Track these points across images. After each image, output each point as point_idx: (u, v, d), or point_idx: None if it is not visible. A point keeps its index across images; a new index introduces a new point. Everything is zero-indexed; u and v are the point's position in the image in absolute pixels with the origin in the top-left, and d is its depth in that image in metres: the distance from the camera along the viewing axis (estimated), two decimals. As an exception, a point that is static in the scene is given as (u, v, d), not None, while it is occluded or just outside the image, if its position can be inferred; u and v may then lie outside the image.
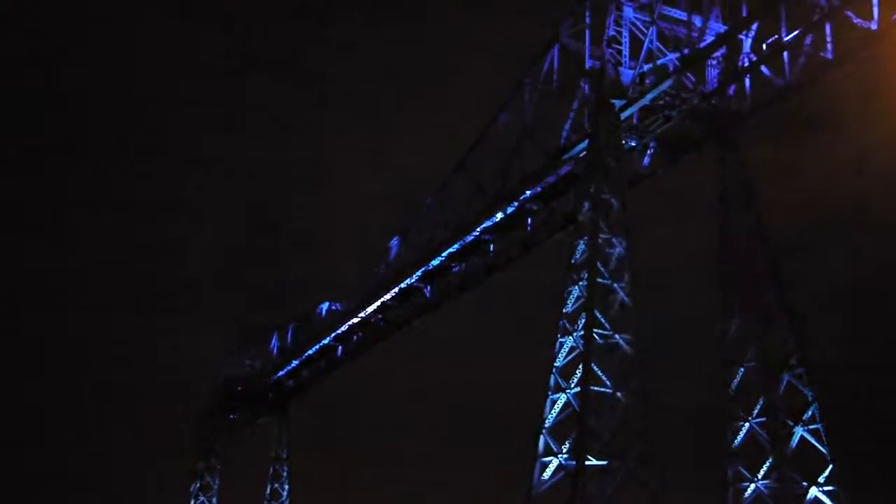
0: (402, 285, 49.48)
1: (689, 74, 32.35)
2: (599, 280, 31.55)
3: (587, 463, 29.33)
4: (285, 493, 72.86)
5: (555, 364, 31.58)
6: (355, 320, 55.84)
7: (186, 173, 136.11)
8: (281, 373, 68.56)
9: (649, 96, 32.63)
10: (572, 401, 30.63)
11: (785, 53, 29.49)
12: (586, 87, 35.44)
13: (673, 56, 32.85)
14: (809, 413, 31.57)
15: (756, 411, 31.53)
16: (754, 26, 30.44)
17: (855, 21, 26.69)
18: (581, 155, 35.15)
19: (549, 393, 31.28)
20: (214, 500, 76.09)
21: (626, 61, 34.09)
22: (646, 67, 33.28)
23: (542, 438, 31.02)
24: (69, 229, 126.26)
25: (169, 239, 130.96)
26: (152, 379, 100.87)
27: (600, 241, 32.12)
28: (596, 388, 30.31)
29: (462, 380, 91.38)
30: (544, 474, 30.78)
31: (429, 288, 49.22)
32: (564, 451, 30.33)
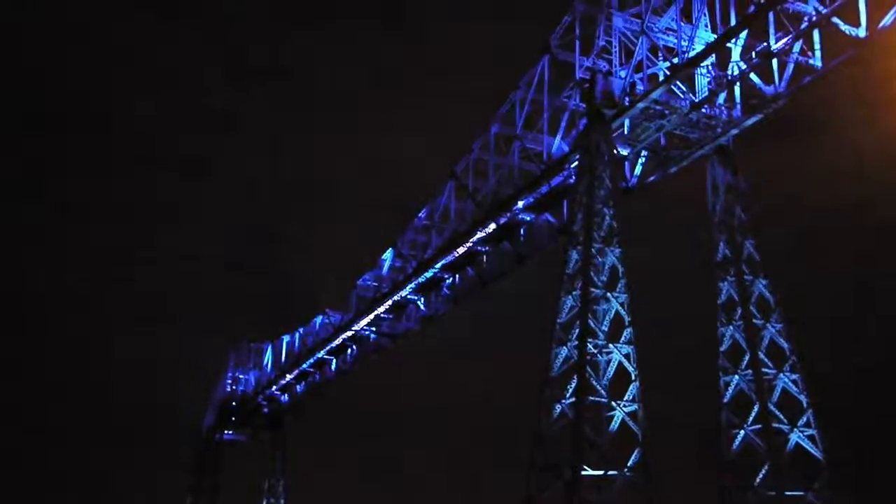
0: (396, 298, 49.42)
1: (679, 83, 32.46)
2: (593, 289, 31.53)
3: (584, 473, 29.26)
4: (281, 507, 72.66)
5: (549, 374, 31.51)
6: (349, 333, 55.74)
7: (179, 181, 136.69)
8: (275, 388, 68.41)
9: (640, 105, 32.72)
10: (567, 411, 30.57)
11: (774, 61, 29.63)
12: (577, 97, 35.57)
13: (663, 65, 32.95)
14: (804, 419, 31.59)
15: (751, 418, 31.48)
16: (743, 35, 30.54)
17: (842, 28, 26.85)
18: (573, 165, 35.23)
19: (544, 403, 31.20)
20: (210, 515, 75.93)
21: (616, 71, 34.20)
22: (636, 77, 33.38)
23: (537, 449, 30.92)
24: (66, 239, 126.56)
25: (163, 250, 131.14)
26: (151, 397, 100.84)
27: (593, 250, 32.12)
28: (591, 398, 30.28)
29: (459, 388, 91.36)
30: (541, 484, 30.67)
31: (423, 299, 49.18)
32: (561, 461, 30.21)
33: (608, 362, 31.17)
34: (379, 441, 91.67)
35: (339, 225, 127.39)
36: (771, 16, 28.80)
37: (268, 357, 70.68)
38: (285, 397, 69.36)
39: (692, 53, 31.44)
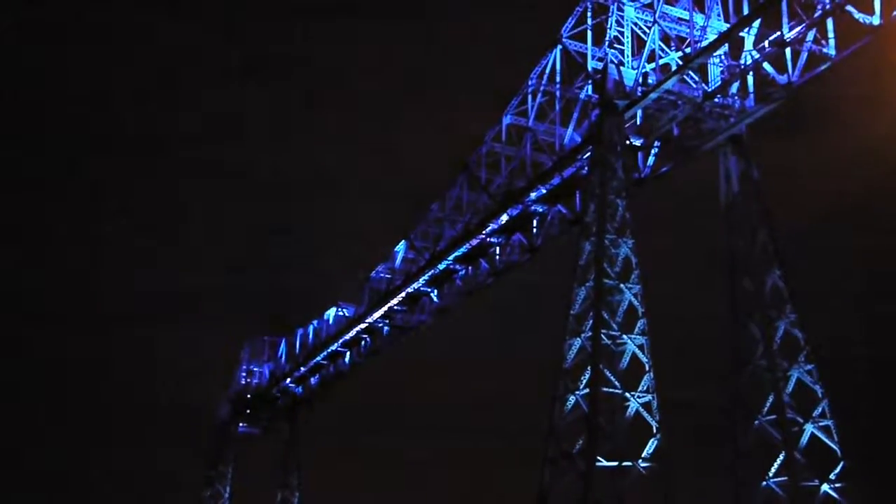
0: (410, 290, 49.49)
1: (691, 73, 32.32)
2: (606, 281, 31.50)
3: (598, 464, 29.29)
4: (296, 500, 72.90)
5: (563, 366, 31.53)
6: (362, 326, 55.86)
7: (187, 178, 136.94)
8: (289, 380, 68.68)
9: (652, 96, 32.63)
10: (581, 402, 30.60)
11: (787, 50, 29.44)
12: (589, 88, 35.49)
13: (675, 55, 32.82)
14: (819, 410, 31.48)
15: (766, 409, 31.39)
16: (756, 23, 30.37)
17: (856, 16, 26.65)
18: (586, 156, 35.17)
19: (558, 394, 31.23)
20: (225, 507, 76.48)
21: (628, 61, 34.09)
22: (648, 67, 33.27)
23: (551, 440, 30.96)
24: (78, 239, 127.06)
25: (176, 246, 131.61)
26: (168, 389, 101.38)
27: (606, 241, 32.09)
28: (605, 389, 30.27)
29: (472, 381, 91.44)
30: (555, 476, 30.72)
31: (436, 291, 49.24)
32: (574, 452, 30.24)
33: (622, 353, 31.17)
34: (398, 436, 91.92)
35: (353, 219, 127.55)
36: (784, 4, 28.59)
37: (282, 350, 70.98)
38: (299, 390, 69.63)
39: (705, 43, 31.29)
